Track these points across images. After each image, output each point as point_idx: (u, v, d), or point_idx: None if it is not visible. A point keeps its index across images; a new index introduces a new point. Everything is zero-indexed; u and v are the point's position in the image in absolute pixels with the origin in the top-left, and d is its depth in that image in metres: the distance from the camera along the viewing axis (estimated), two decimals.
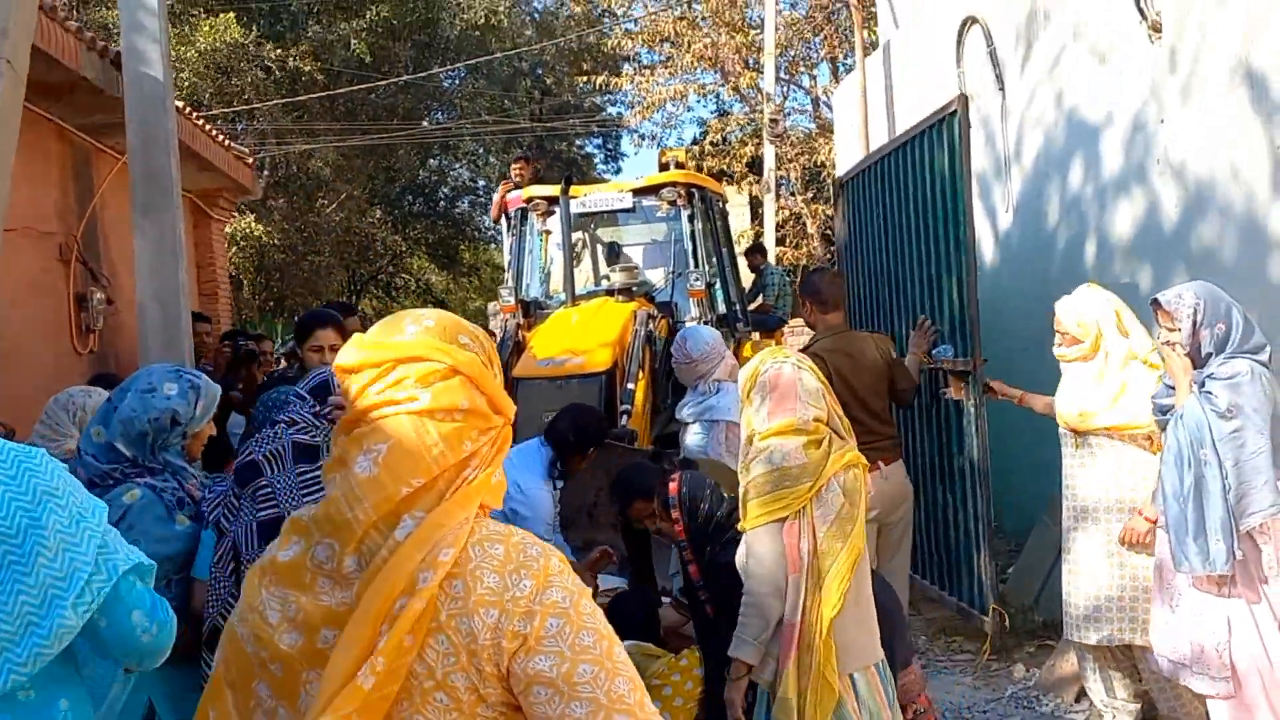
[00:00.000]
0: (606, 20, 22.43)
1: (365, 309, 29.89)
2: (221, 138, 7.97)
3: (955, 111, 5.14)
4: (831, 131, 19.51)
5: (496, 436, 1.49)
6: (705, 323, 8.86)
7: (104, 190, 6.67)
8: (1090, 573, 4.10)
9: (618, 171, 31.79)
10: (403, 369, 1.44)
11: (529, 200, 9.61)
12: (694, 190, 9.27)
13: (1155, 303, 3.72)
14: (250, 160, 8.88)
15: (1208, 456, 3.46)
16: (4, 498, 1.78)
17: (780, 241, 18.09)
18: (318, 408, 2.63)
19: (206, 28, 16.04)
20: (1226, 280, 4.65)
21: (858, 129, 8.89)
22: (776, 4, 16.98)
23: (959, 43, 7.11)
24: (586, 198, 9.38)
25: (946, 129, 5.22)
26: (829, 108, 20.53)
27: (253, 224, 17.75)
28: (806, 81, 21.01)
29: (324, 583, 1.40)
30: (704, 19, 19.23)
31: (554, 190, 9.53)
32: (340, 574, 1.39)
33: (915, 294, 5.70)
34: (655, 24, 19.38)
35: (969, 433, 5.12)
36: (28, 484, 1.87)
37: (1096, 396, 4.05)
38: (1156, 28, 5.11)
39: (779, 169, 17.56)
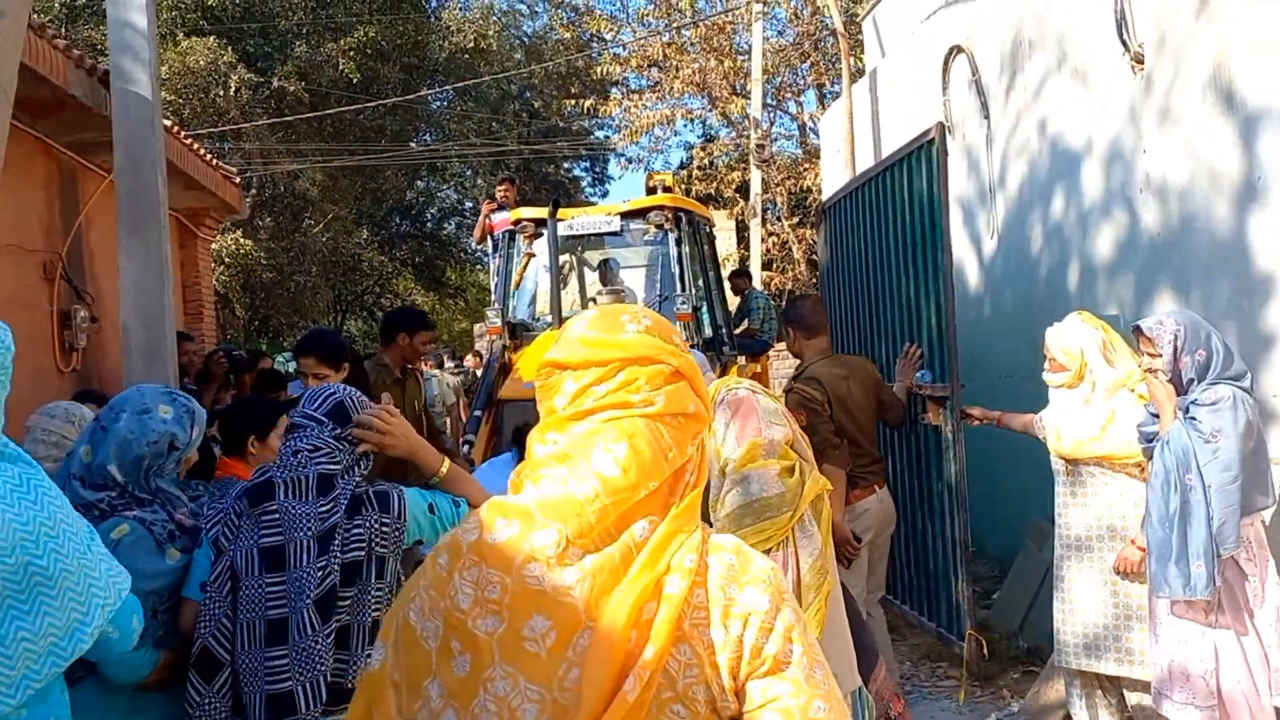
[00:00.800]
0: (595, 45, 22.57)
1: (351, 329, 29.87)
2: (209, 156, 7.97)
3: (934, 139, 5.19)
4: (817, 157, 19.65)
5: (703, 442, 1.48)
6: (692, 346, 8.90)
7: (90, 208, 6.65)
8: (1084, 603, 4.10)
9: (605, 195, 31.92)
10: (631, 370, 1.42)
11: (517, 222, 9.64)
12: (681, 214, 9.31)
13: (1137, 329, 3.75)
14: (238, 179, 8.88)
15: (1192, 481, 3.49)
16: (32, 523, 1.80)
17: (766, 266, 18.15)
18: (339, 430, 2.59)
19: (175, 48, 16.02)
20: (1208, 303, 4.71)
21: (844, 155, 8.95)
22: (764, 31, 17.12)
23: (945, 71, 7.18)
24: (574, 220, 9.39)
25: (925, 156, 5.26)
26: (815, 134, 20.69)
27: (240, 239, 17.71)
28: (793, 108, 21.18)
29: (536, 568, 1.34)
30: (692, 44, 19.36)
31: (542, 213, 9.56)
32: (561, 563, 1.34)
33: (894, 319, 5.74)
34: (644, 49, 19.50)
35: (947, 458, 5.15)
36: (48, 511, 1.89)
37: (1084, 425, 4.06)
38: (1139, 59, 5.17)
39: (765, 194, 17.65)
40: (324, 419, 2.59)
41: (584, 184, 32.06)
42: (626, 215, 9.47)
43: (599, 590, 1.31)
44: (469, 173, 27.84)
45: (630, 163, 24.12)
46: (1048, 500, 4.33)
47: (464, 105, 23.85)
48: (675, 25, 19.38)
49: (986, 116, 6.74)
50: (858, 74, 9.77)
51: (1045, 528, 5.20)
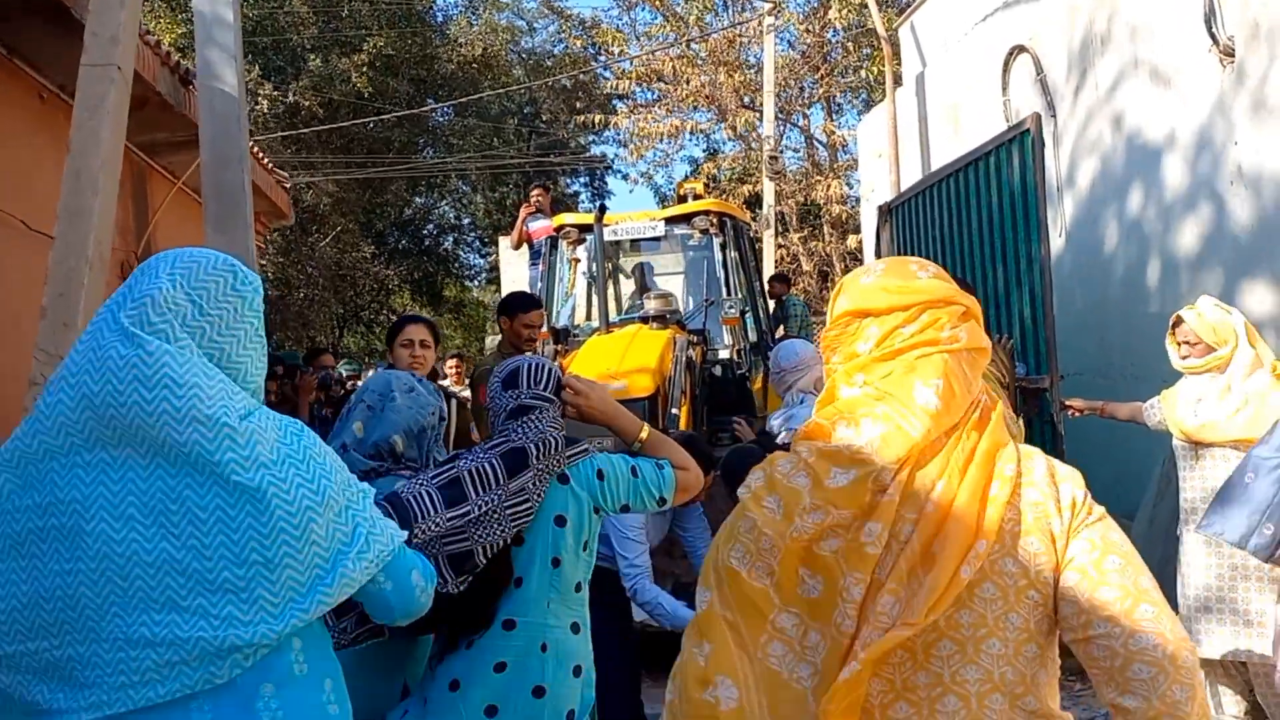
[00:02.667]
0: (602, 58, 22.66)
1: (350, 345, 29.75)
2: (265, 159, 7.95)
3: (1028, 129, 5.24)
4: (826, 169, 19.77)
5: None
6: (739, 351, 8.93)
7: (159, 208, 6.62)
8: (1200, 573, 4.08)
9: (605, 211, 31.88)
10: (933, 312, 1.55)
11: (560, 229, 9.64)
12: (725, 218, 9.33)
13: None
14: (288, 185, 8.84)
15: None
16: (302, 452, 1.75)
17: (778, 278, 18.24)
18: (562, 406, 2.61)
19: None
20: None
21: (888, 159, 9.01)
22: (775, 44, 17.24)
23: (1005, 71, 7.24)
24: (619, 226, 9.41)
25: (1019, 146, 5.31)
26: (823, 146, 20.83)
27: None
28: (801, 120, 21.29)
29: (879, 497, 1.47)
30: (701, 58, 19.47)
31: (585, 219, 9.58)
32: (899, 488, 1.48)
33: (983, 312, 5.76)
34: (651, 63, 19.58)
35: (1049, 451, 5.15)
36: (314, 446, 1.85)
37: (1221, 408, 4.02)
38: (1228, 51, 5.24)
39: (776, 206, 17.73)
40: (552, 397, 2.61)
41: (582, 199, 32.12)
42: (671, 220, 9.50)
43: (940, 499, 1.47)
44: (468, 189, 27.88)
45: (628, 178, 24.26)
46: (1126, 495, 4.31)
47: (465, 120, 23.90)
48: (684, 39, 19.48)
49: (1053, 115, 6.81)
50: (896, 81, 9.85)
51: (1124, 523, 5.22)
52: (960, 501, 1.44)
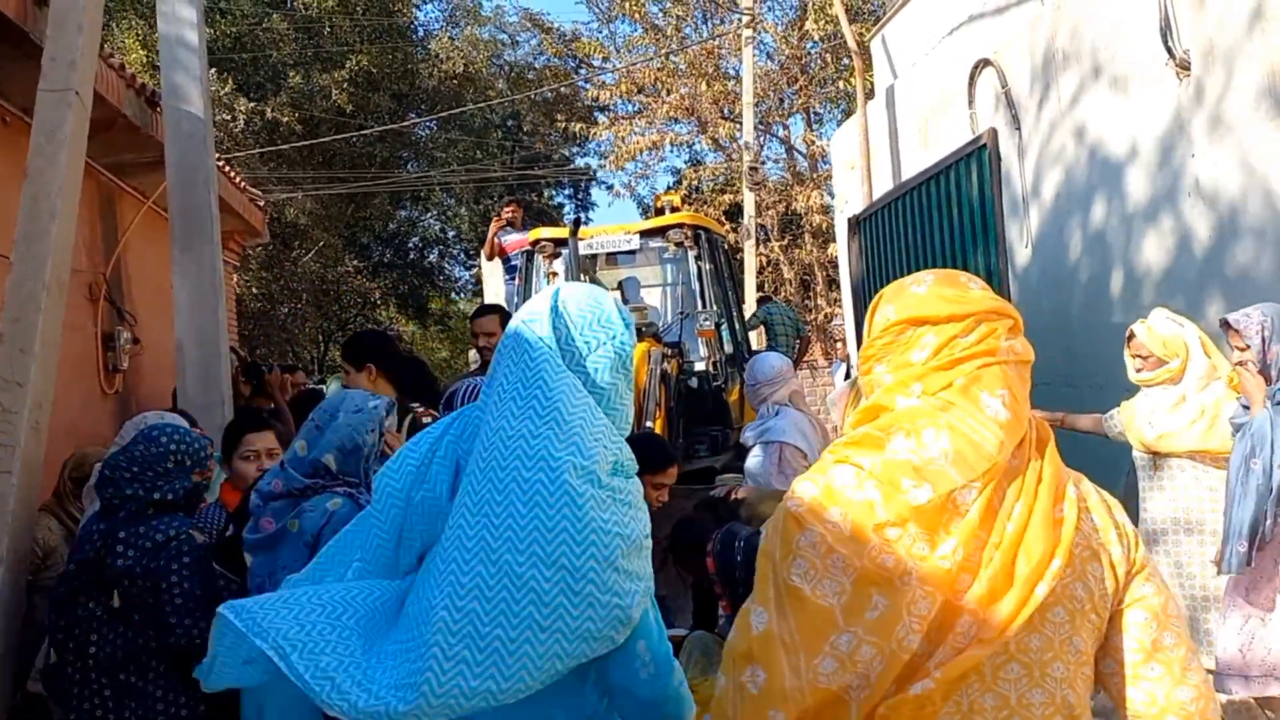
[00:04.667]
0: (583, 71, 22.72)
1: (334, 358, 29.70)
2: (238, 179, 7.95)
3: (985, 144, 5.29)
4: (806, 179, 19.84)
5: None
6: (714, 363, 8.96)
7: (129, 230, 6.62)
8: None
9: (588, 222, 31.95)
10: (989, 323, 1.56)
11: (535, 242, 9.67)
12: (700, 231, 9.37)
13: (1224, 323, 3.83)
14: (262, 203, 8.85)
15: (1255, 465, 3.56)
16: None
17: (759, 288, 18.30)
18: None
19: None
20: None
21: (860, 171, 9.07)
22: (753, 55, 17.32)
23: (971, 84, 7.30)
24: (594, 239, 9.44)
25: (976, 161, 5.36)
26: (803, 156, 20.91)
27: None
28: (780, 131, 21.38)
29: (958, 520, 1.46)
30: (680, 70, 19.54)
31: (561, 232, 9.60)
32: (981, 506, 1.47)
33: None
34: (632, 74, 19.65)
35: None
36: None
37: (1177, 419, 4.09)
38: (1184, 65, 5.29)
39: (757, 216, 17.79)
40: None
41: (565, 212, 32.14)
42: (646, 234, 9.53)
43: (1018, 519, 1.46)
44: (452, 202, 27.90)
45: (610, 189, 24.27)
46: None
47: (448, 134, 23.94)
48: (664, 51, 19.55)
49: (1018, 128, 6.86)
50: (868, 93, 9.91)
51: None
52: (1036, 523, 1.45)
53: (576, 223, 8.75)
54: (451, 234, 29.60)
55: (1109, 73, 5.99)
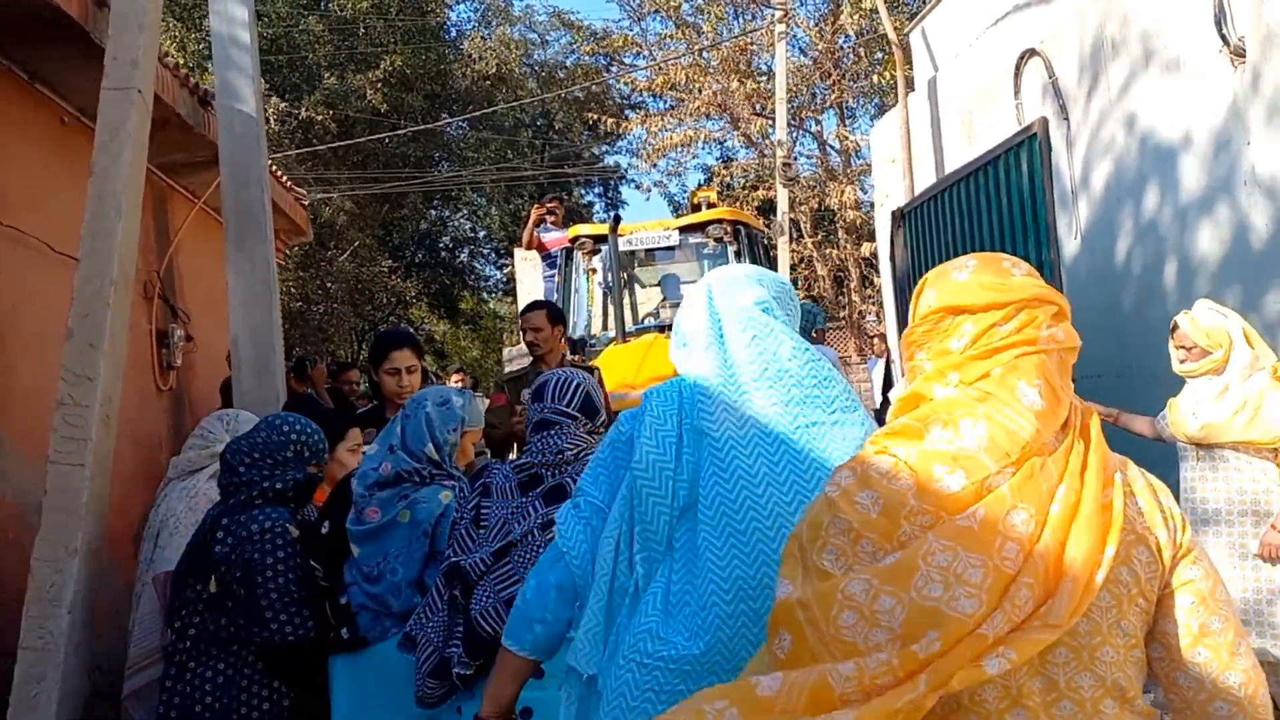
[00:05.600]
0: (614, 69, 22.74)
1: (367, 357, 29.84)
2: (284, 177, 8.03)
3: (1035, 133, 5.25)
4: (840, 175, 19.77)
5: None
6: None
7: (181, 230, 6.70)
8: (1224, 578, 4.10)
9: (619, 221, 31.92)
10: (1029, 311, 1.53)
11: (574, 239, 9.70)
12: (740, 226, 9.38)
13: None
14: (306, 202, 8.93)
15: None
16: None
17: (793, 284, 18.26)
18: (589, 424, 2.65)
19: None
20: None
21: (901, 165, 9.02)
22: (786, 51, 17.27)
23: (1017, 75, 7.24)
24: (633, 235, 9.46)
25: (1026, 151, 5.32)
26: (836, 152, 20.84)
27: None
28: (814, 126, 21.32)
29: (984, 506, 1.44)
30: (713, 66, 19.52)
31: (600, 229, 9.63)
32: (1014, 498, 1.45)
33: None
34: (664, 71, 19.64)
35: None
36: None
37: (1220, 410, 4.08)
38: (1239, 52, 5.23)
39: (790, 212, 17.75)
40: (576, 414, 2.65)
41: (596, 210, 32.19)
42: (685, 229, 9.54)
43: (1065, 501, 1.44)
44: (483, 201, 28.01)
45: (638, 188, 24.30)
46: None
47: (479, 135, 24.05)
48: (696, 48, 19.53)
49: (1065, 118, 6.80)
50: (908, 85, 9.86)
51: None
52: (1086, 506, 1.44)
53: (616, 219, 8.77)
54: (482, 233, 29.72)
55: (1160, 61, 5.93)
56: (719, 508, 1.87)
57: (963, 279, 1.57)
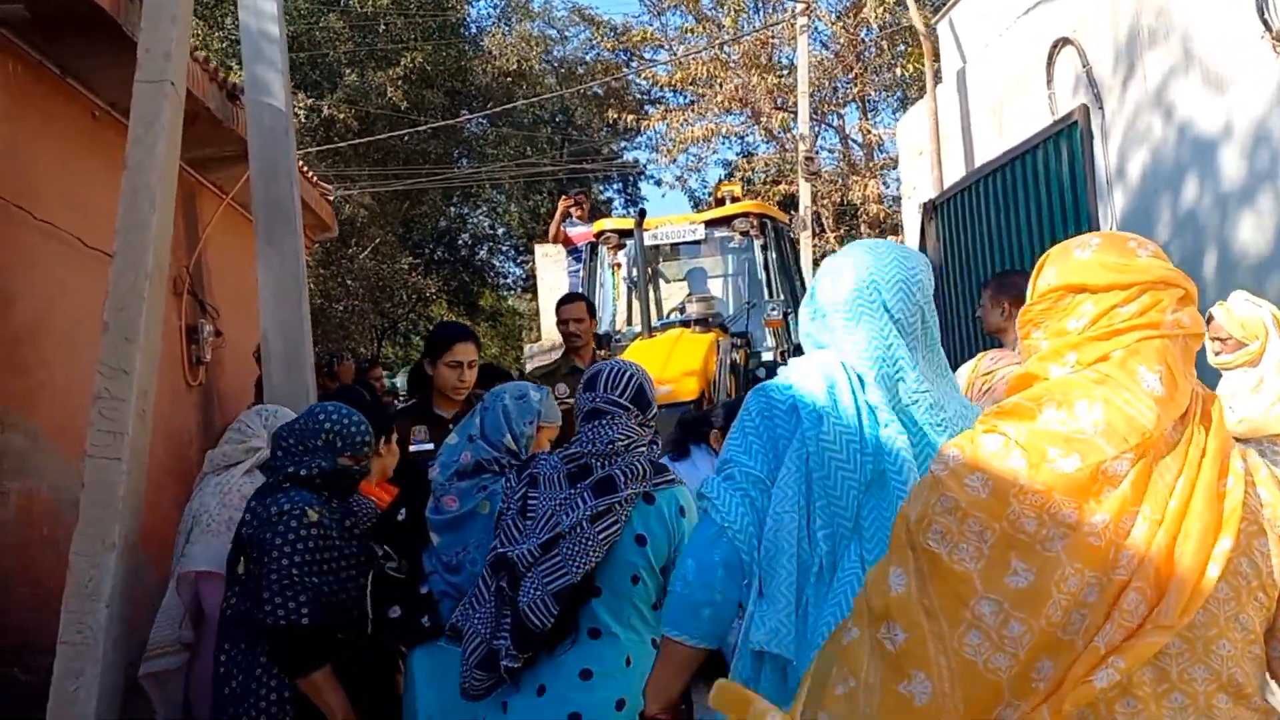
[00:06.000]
0: (634, 64, 22.67)
1: (387, 354, 29.95)
2: (310, 173, 8.02)
3: (1075, 121, 5.17)
4: (862, 169, 19.66)
5: None
6: (782, 353, 8.87)
7: (207, 224, 6.69)
8: None
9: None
10: (1154, 293, 1.48)
11: (599, 234, 9.66)
12: (766, 220, 9.30)
13: None
14: (331, 198, 8.92)
15: None
16: None
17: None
18: (640, 416, 2.62)
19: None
20: None
21: (930, 157, 8.95)
22: (808, 44, 17.18)
23: (1049, 65, 7.15)
24: (658, 230, 9.41)
25: (1066, 139, 5.24)
26: (858, 145, 20.72)
27: None
28: (835, 120, 21.18)
29: (1109, 490, 1.41)
30: (734, 60, 19.43)
31: (625, 224, 9.59)
32: (1133, 484, 1.41)
33: None
34: (685, 66, 19.57)
35: None
36: None
37: (1258, 403, 4.02)
38: None
39: (813, 206, 17.65)
40: (629, 405, 2.61)
41: (615, 206, 32.13)
42: (711, 223, 9.48)
43: (1180, 494, 1.39)
44: (502, 198, 28.01)
45: (660, 184, 24.23)
46: None
47: (499, 131, 24.04)
48: (717, 41, 19.45)
49: (1100, 108, 6.71)
50: (936, 77, 9.77)
51: None
52: (1200, 499, 1.39)
53: (642, 213, 8.72)
54: (501, 230, 29.72)
55: (1199, 48, 5.84)
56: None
57: (1084, 257, 1.53)
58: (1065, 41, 7.00)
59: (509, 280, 31.17)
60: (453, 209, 26.89)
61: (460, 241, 29.08)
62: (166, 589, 3.62)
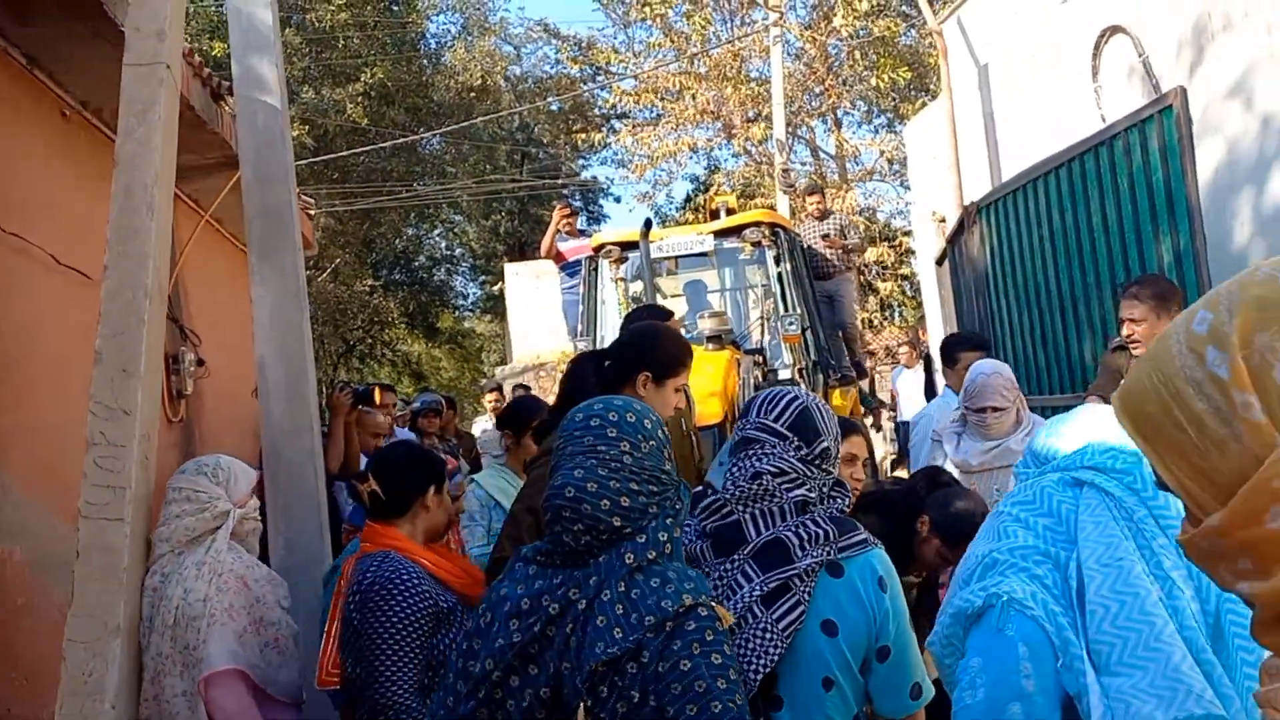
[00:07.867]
0: (599, 78, 22.12)
1: (345, 376, 29.01)
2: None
3: (1170, 105, 4.69)
4: (840, 181, 19.28)
5: None
6: (800, 370, 8.32)
7: (184, 244, 5.95)
8: None
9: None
10: None
11: (599, 248, 9.06)
12: (778, 229, 8.78)
13: None
14: (312, 213, 8.20)
15: None
16: None
17: None
18: (804, 448, 2.00)
19: None
20: None
21: (948, 161, 8.48)
22: (782, 54, 16.76)
23: (1095, 56, 6.70)
24: (664, 242, 8.85)
25: (1158, 126, 4.76)
26: (831, 157, 20.35)
27: None
28: (805, 134, 20.78)
29: None
30: (703, 73, 18.97)
31: (628, 236, 8.99)
32: None
33: (1103, 313, 5.19)
34: (652, 80, 19.07)
35: None
36: None
37: None
38: None
39: (791, 218, 17.22)
40: (786, 433, 2.00)
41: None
42: (720, 234, 8.93)
43: None
44: (460, 219, 27.35)
45: (640, 199, 23.69)
46: None
47: (459, 149, 23.39)
48: (686, 55, 18.97)
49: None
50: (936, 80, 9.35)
51: None
52: None
53: (647, 224, 8.13)
54: (459, 251, 29.07)
55: (1277, 33, 5.40)
56: None
57: None
58: (1115, 30, 6.55)
59: (468, 302, 30.51)
60: (410, 230, 26.17)
61: (417, 263, 28.35)
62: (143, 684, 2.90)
